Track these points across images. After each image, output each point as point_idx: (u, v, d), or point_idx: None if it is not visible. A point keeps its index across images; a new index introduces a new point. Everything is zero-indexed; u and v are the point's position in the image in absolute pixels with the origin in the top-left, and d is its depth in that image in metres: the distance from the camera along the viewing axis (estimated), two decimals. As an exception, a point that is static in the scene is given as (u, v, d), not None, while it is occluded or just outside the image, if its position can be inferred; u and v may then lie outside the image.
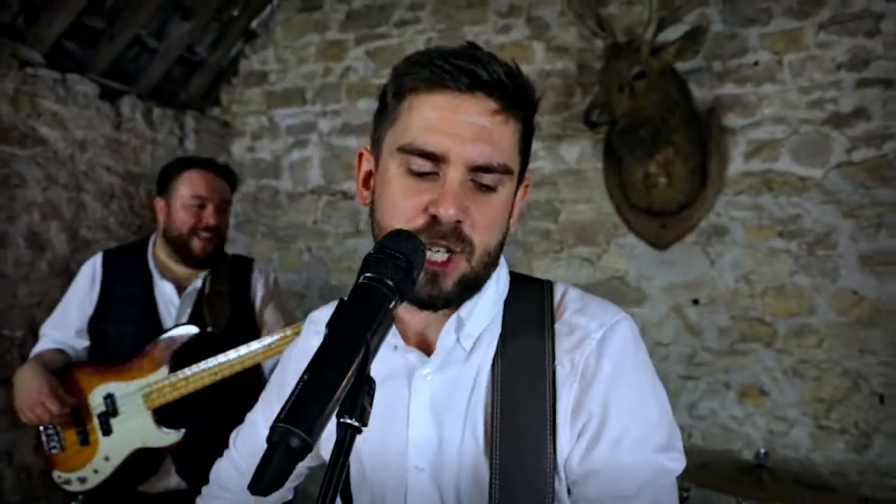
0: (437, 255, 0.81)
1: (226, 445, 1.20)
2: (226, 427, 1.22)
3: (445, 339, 0.89)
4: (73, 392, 1.89)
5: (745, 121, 2.82)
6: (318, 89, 3.55)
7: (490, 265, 0.87)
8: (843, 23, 2.68)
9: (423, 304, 0.83)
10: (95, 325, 2.03)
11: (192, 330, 1.93)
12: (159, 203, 2.07)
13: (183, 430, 1.90)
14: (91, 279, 2.05)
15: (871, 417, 2.64)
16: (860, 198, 2.66)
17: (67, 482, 1.93)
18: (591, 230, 3.06)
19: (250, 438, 1.13)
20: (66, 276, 2.66)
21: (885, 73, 2.62)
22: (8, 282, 2.58)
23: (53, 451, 1.93)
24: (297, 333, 1.20)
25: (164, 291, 2.03)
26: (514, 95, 0.82)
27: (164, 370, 1.90)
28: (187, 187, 2.02)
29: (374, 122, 0.91)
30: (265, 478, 0.52)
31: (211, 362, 1.87)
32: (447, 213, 0.79)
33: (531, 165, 0.93)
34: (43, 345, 2.04)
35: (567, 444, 0.85)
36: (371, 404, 0.60)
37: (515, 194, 0.90)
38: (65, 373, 1.93)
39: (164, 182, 2.07)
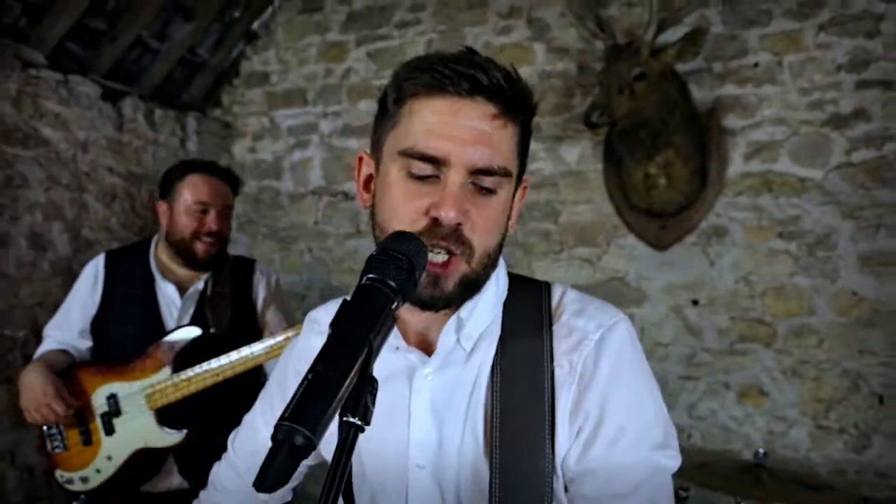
0: (438, 257, 0.82)
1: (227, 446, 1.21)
2: (227, 427, 1.23)
3: (446, 339, 0.90)
4: (77, 392, 1.91)
5: (745, 122, 2.83)
6: (319, 90, 3.56)
7: (490, 266, 0.88)
8: (842, 24, 2.69)
9: (425, 305, 0.84)
10: (98, 326, 2.04)
11: (195, 332, 1.94)
12: (162, 206, 2.06)
13: (185, 431, 1.91)
14: (93, 280, 2.06)
15: (870, 418, 2.64)
16: (860, 199, 2.66)
17: (70, 481, 1.95)
18: (592, 231, 3.06)
19: (249, 439, 1.14)
20: (68, 276, 2.67)
21: (884, 74, 2.63)
22: (10, 282, 2.59)
23: (56, 451, 1.94)
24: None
25: (166, 292, 2.04)
26: (513, 100, 0.83)
27: (166, 371, 1.91)
28: (190, 192, 2.01)
29: (375, 125, 0.92)
30: (270, 475, 0.53)
31: (213, 363, 1.88)
32: (448, 215, 0.80)
33: (531, 166, 0.94)
34: (46, 346, 2.05)
35: (565, 444, 0.86)
36: (374, 404, 0.61)
37: (514, 196, 0.90)
38: (68, 373, 1.94)
39: (167, 185, 2.06)
